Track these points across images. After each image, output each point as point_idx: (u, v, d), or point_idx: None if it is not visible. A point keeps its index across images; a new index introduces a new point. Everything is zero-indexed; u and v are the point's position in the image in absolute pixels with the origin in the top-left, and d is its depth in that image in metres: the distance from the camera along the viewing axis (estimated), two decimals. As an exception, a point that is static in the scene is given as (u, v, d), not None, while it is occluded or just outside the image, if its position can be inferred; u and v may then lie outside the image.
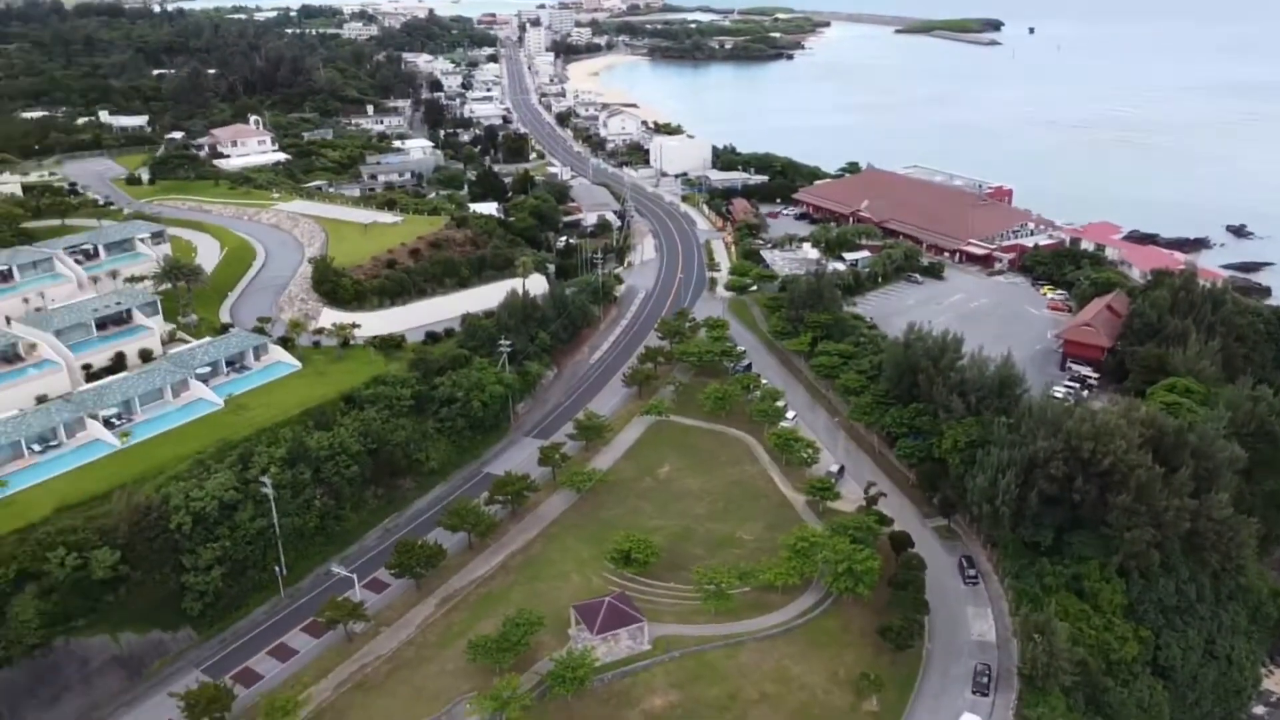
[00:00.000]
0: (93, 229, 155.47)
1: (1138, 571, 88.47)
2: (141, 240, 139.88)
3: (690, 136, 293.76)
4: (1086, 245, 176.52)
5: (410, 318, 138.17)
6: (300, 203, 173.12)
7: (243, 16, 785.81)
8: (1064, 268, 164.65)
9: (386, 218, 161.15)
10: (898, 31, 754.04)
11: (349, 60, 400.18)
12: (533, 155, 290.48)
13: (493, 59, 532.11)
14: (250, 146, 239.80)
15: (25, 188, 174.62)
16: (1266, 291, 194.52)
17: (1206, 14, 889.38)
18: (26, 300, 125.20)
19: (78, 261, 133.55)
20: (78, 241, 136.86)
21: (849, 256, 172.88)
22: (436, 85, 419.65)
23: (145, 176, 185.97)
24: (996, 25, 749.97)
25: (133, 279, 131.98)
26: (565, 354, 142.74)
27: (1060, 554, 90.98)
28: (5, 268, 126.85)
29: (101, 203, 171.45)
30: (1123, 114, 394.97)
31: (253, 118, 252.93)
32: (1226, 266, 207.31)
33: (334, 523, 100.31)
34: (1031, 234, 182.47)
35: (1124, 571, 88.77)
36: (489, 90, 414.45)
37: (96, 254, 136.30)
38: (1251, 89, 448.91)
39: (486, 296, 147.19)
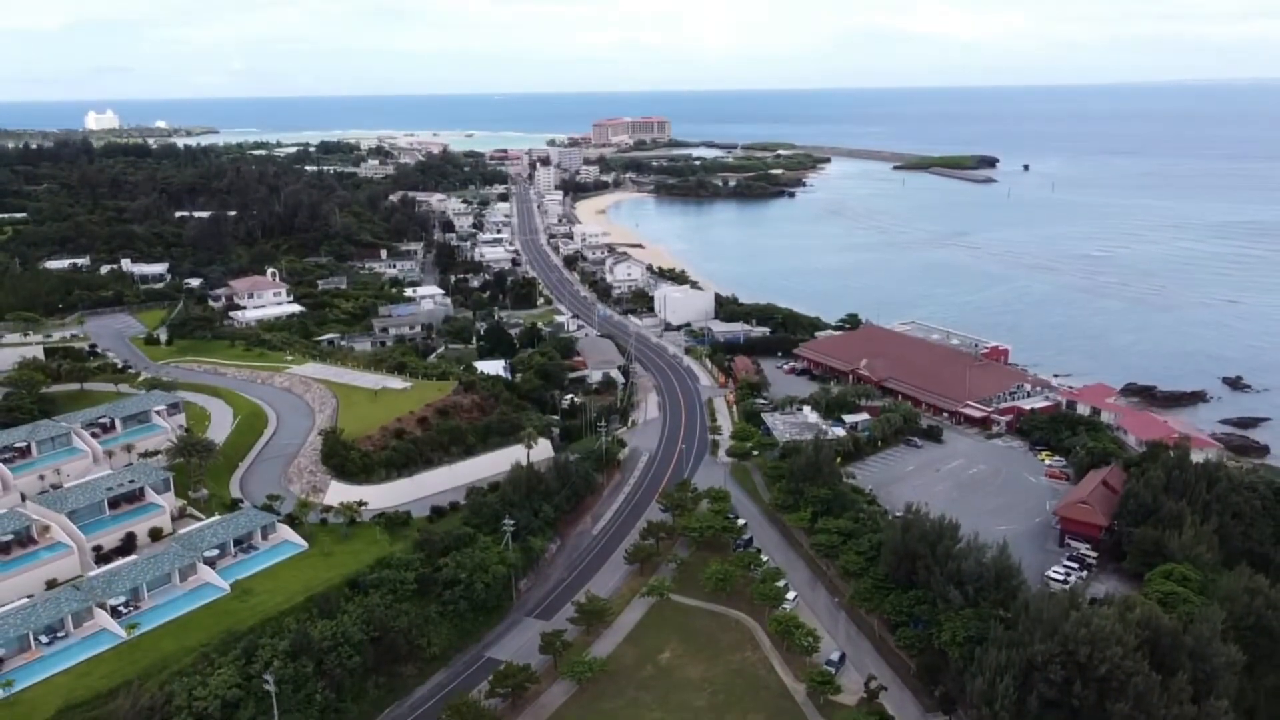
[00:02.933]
0: (110, 394, 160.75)
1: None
2: (157, 413, 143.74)
3: (695, 285, 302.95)
4: (1082, 409, 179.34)
5: (417, 488, 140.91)
6: (312, 365, 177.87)
7: (264, 153, 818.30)
8: (1060, 433, 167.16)
9: (396, 383, 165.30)
10: (896, 168, 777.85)
11: (364, 205, 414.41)
12: (540, 301, 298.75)
13: (503, 197, 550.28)
14: (266, 298, 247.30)
15: (47, 350, 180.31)
16: (1264, 450, 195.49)
17: (1206, 150, 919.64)
18: (43, 477, 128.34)
19: (94, 435, 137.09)
20: (95, 415, 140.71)
21: (849, 419, 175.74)
22: (449, 226, 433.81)
23: (163, 337, 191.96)
24: (992, 162, 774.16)
25: (147, 454, 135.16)
26: (568, 524, 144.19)
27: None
28: (24, 444, 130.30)
29: (120, 366, 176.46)
30: (1118, 254, 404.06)
31: (269, 270, 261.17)
32: (1224, 422, 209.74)
33: (334, 716, 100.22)
34: (1028, 395, 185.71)
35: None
36: (499, 231, 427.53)
37: (113, 427, 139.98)
38: (1245, 228, 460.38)
39: (492, 463, 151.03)
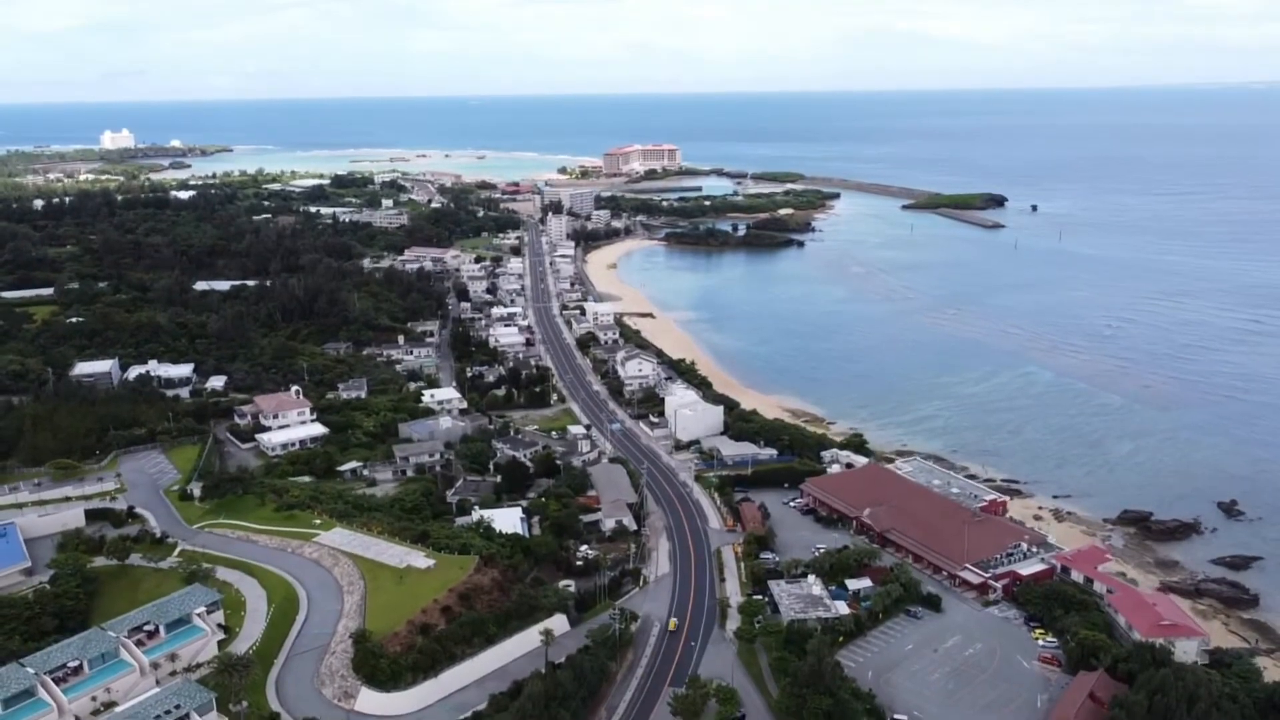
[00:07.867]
0: (151, 572, 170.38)
1: None
2: (198, 614, 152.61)
3: (705, 383, 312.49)
4: (1076, 576, 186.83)
5: (442, 689, 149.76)
6: (339, 533, 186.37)
7: (279, 186, 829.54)
8: (1054, 610, 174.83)
9: (420, 561, 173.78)
10: (904, 206, 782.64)
11: (381, 283, 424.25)
12: (554, 398, 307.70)
13: (516, 250, 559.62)
14: (290, 418, 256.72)
15: (87, 513, 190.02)
16: (1254, 601, 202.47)
17: (1224, 183, 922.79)
18: (95, 699, 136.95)
19: (139, 643, 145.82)
20: (140, 621, 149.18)
21: (851, 585, 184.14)
22: (463, 293, 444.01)
23: (196, 493, 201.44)
24: (1000, 201, 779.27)
25: (190, 668, 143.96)
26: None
27: None
28: (76, 662, 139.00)
29: (158, 535, 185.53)
30: (1120, 333, 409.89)
31: (294, 388, 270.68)
32: (1215, 562, 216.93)
33: None
34: (1025, 556, 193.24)
35: None
36: (512, 301, 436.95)
37: (157, 632, 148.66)
38: (1255, 294, 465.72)
39: (511, 650, 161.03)
